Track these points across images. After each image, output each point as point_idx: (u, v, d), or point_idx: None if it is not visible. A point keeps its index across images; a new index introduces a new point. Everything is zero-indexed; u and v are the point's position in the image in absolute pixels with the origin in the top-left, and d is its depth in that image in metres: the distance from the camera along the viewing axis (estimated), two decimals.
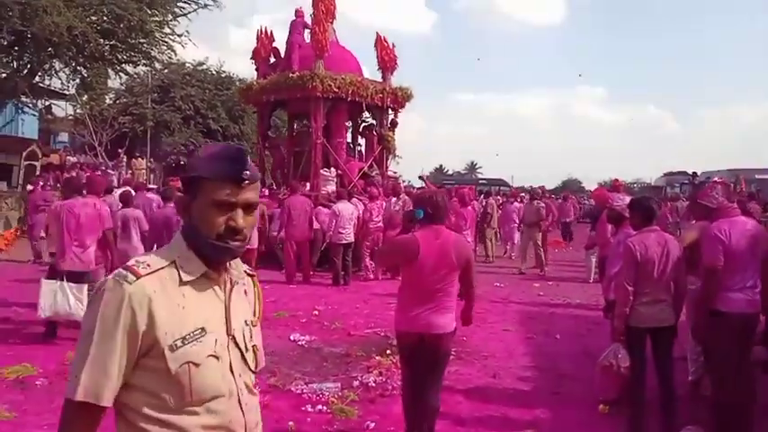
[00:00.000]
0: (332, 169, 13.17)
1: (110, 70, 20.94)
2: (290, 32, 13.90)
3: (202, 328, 1.40)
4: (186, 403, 1.38)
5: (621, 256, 4.27)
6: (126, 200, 7.99)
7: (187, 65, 28.56)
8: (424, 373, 3.67)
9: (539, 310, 8.76)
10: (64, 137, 30.81)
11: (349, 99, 13.05)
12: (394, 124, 14.56)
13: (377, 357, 5.85)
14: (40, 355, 5.66)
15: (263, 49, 14.36)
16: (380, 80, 14.13)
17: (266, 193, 11.85)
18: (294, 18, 13.91)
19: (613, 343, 4.18)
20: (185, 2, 18.84)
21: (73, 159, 22.84)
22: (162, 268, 1.39)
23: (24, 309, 7.12)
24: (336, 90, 12.68)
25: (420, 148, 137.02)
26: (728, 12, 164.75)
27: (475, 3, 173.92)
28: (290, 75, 12.97)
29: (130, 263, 1.40)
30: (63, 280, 5.98)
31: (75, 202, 6.35)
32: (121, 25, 16.90)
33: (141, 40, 18.31)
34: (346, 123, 14.44)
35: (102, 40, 17.05)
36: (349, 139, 15.00)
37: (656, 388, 4.18)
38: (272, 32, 14.45)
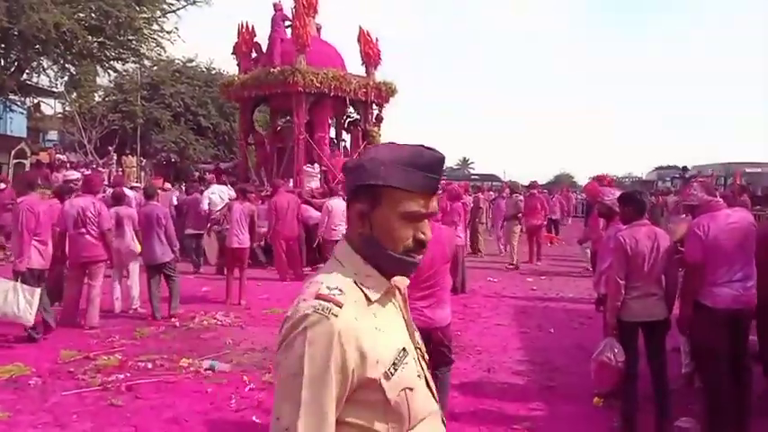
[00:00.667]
0: (315, 165, 12.91)
1: (98, 67, 20.83)
2: (271, 27, 13.71)
3: (403, 349, 1.30)
4: (404, 431, 1.28)
5: (612, 250, 4.29)
6: (118, 198, 7.93)
7: (176, 62, 28.37)
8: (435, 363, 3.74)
9: (532, 304, 8.79)
10: (53, 135, 30.64)
11: (332, 94, 12.82)
12: (379, 119, 14.41)
13: None
14: (33, 354, 5.62)
15: (243, 44, 14.08)
16: (365, 75, 13.93)
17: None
18: (274, 12, 13.69)
19: (606, 337, 4.20)
20: None
21: (62, 158, 22.69)
22: (349, 290, 1.27)
23: None
24: (318, 85, 12.43)
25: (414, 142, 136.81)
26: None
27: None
28: (271, 70, 12.75)
29: (322, 291, 1.25)
30: (17, 281, 5.86)
31: (33, 200, 6.30)
32: (110, 22, 16.77)
33: (130, 37, 18.18)
34: (330, 119, 14.22)
35: (90, 37, 16.90)
36: (334, 135, 14.86)
37: (650, 381, 4.21)
38: (253, 27, 14.17)
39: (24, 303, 5.76)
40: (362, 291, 1.28)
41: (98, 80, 26.17)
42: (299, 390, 1.18)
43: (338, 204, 10.12)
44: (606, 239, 4.87)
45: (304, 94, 12.47)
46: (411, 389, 1.28)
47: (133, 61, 20.14)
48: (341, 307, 1.21)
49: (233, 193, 10.80)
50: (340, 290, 1.25)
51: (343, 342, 1.19)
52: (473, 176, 40.31)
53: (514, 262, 12.28)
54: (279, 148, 13.70)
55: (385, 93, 14.03)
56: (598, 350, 4.16)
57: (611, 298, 4.17)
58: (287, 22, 13.44)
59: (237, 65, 14.35)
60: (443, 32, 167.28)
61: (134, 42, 18.38)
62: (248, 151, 14.93)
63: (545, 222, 14.26)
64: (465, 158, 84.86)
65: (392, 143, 1.37)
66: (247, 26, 14.11)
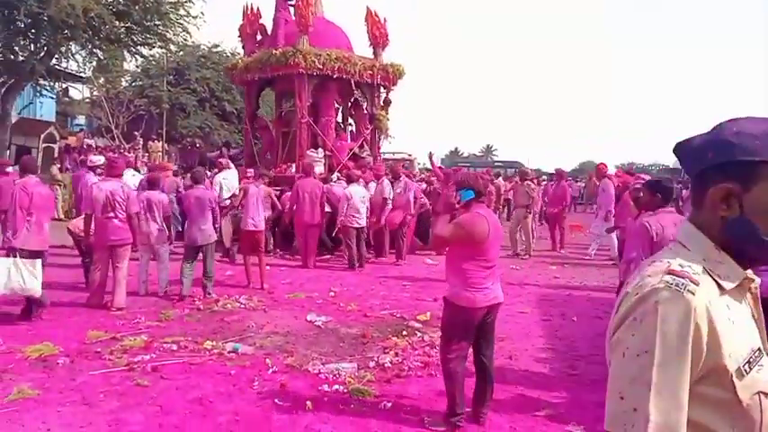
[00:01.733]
0: (319, 150, 12.58)
1: (125, 52, 20.91)
2: (275, 8, 13.37)
3: (759, 349, 1.17)
4: None
5: (637, 236, 4.23)
6: (153, 183, 8.04)
7: (202, 47, 28.53)
8: (482, 341, 4.01)
9: (555, 292, 8.72)
10: (81, 119, 31.08)
11: (335, 76, 12.40)
12: (387, 102, 13.98)
13: (393, 338, 5.87)
14: (61, 334, 5.75)
15: (248, 26, 13.76)
16: (372, 56, 13.49)
17: (251, 173, 11.17)
18: None
19: None
20: None
21: (90, 142, 23.05)
22: (699, 274, 1.16)
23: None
24: (320, 66, 12.04)
25: (436, 130, 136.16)
26: None
27: None
28: (273, 51, 12.36)
29: (674, 267, 1.16)
30: (16, 257, 6.01)
31: (29, 181, 6.41)
32: (137, 7, 16.85)
33: (157, 22, 18.22)
34: (336, 102, 13.77)
35: (117, 22, 17.00)
36: (341, 119, 14.49)
37: None
38: (258, 9, 13.81)
39: (29, 275, 5.96)
40: (713, 278, 1.17)
41: (125, 65, 26.34)
42: (649, 369, 1.09)
43: (357, 191, 10.10)
44: (635, 228, 4.80)
45: (306, 76, 12.13)
46: (766, 394, 1.15)
47: (159, 46, 20.18)
48: (697, 285, 1.12)
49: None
50: (691, 269, 1.15)
51: (699, 321, 1.10)
52: (496, 163, 39.97)
53: (519, 251, 11.87)
54: (284, 133, 13.37)
55: (392, 75, 13.57)
56: None
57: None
58: (291, 1, 13.07)
59: (242, 47, 14.12)
60: (470, 15, 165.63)
61: (160, 27, 18.42)
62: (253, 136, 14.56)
63: (567, 211, 13.89)
64: (488, 145, 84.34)
65: (748, 117, 1.21)
66: (252, 8, 13.80)
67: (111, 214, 6.82)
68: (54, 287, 7.37)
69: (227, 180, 10.91)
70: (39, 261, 6.10)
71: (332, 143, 12.87)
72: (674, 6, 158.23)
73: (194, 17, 18.49)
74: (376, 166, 12.45)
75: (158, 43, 19.57)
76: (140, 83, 28.76)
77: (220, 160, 12.43)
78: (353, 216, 9.94)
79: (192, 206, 7.65)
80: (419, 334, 6.06)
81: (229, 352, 5.35)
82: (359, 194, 10.10)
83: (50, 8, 14.53)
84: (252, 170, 11.08)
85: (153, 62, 26.73)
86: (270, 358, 5.19)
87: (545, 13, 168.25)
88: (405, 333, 6.08)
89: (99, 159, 9.33)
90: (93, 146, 21.87)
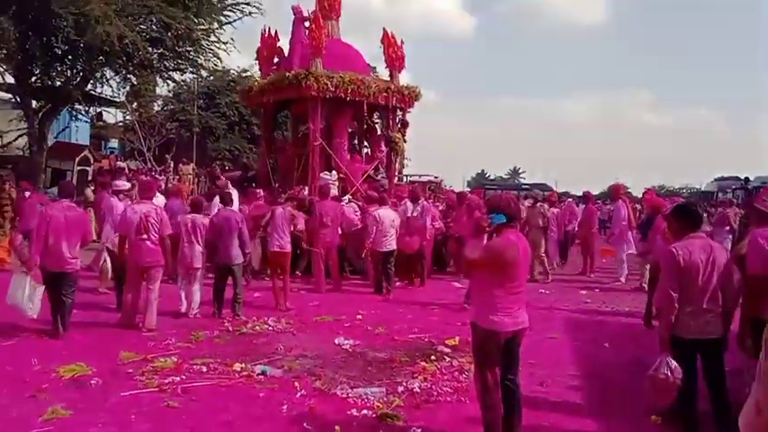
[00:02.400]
0: (333, 172, 12.44)
1: (158, 78, 21.48)
2: (292, 31, 13.38)
3: None
4: None
5: (664, 262, 4.16)
6: (197, 206, 8.16)
7: (232, 72, 29.11)
8: (506, 365, 3.97)
9: (586, 317, 8.59)
10: (114, 143, 31.82)
11: (349, 99, 12.29)
12: (404, 125, 13.88)
13: (422, 363, 5.82)
14: (93, 354, 5.82)
15: (265, 49, 13.81)
16: (387, 79, 13.41)
17: (261, 194, 11.14)
18: (294, 16, 13.33)
19: (661, 353, 4.06)
20: (230, 10, 19.18)
21: (122, 165, 23.54)
22: None
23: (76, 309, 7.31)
24: (333, 89, 11.96)
25: (463, 152, 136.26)
26: None
27: (514, 4, 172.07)
28: (287, 74, 12.34)
29: None
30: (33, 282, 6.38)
31: (55, 205, 6.80)
32: (169, 34, 17.29)
33: (188, 48, 18.68)
34: (350, 124, 13.74)
35: (150, 48, 17.48)
36: (356, 141, 14.42)
37: (710, 402, 4.05)
38: (276, 32, 13.85)
39: (27, 295, 6.32)
40: None
41: (157, 90, 27.08)
42: None
43: (387, 214, 9.88)
44: (663, 255, 4.72)
45: (319, 98, 12.08)
46: None
47: (191, 72, 20.70)
48: None
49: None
50: None
51: None
52: (523, 186, 39.73)
53: (536, 275, 11.31)
54: (299, 155, 13.15)
55: (408, 97, 13.44)
56: (653, 366, 4.02)
57: (664, 312, 4.05)
58: (307, 24, 13.03)
59: (260, 70, 14.19)
60: (493, 35, 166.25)
61: (192, 53, 18.88)
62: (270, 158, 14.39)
63: (594, 234, 13.44)
64: (515, 168, 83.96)
65: None
66: (269, 31, 13.89)
67: (145, 236, 6.93)
68: (87, 308, 7.51)
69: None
70: (40, 287, 6.39)
71: (346, 166, 12.75)
72: (704, 18, 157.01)
73: (224, 43, 18.93)
74: (399, 188, 12.37)
75: (190, 69, 20.06)
76: (172, 107, 29.45)
77: (218, 182, 12.38)
78: (382, 240, 9.76)
79: (219, 228, 7.74)
80: (448, 359, 6.00)
81: (258, 374, 5.37)
82: (389, 218, 9.90)
83: (87, 36, 15.00)
84: (261, 191, 10.95)
85: (184, 87, 27.36)
86: (298, 381, 5.19)
87: (576, 32, 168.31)
88: (433, 358, 6.03)
89: (124, 185, 9.47)
90: (126, 169, 22.33)
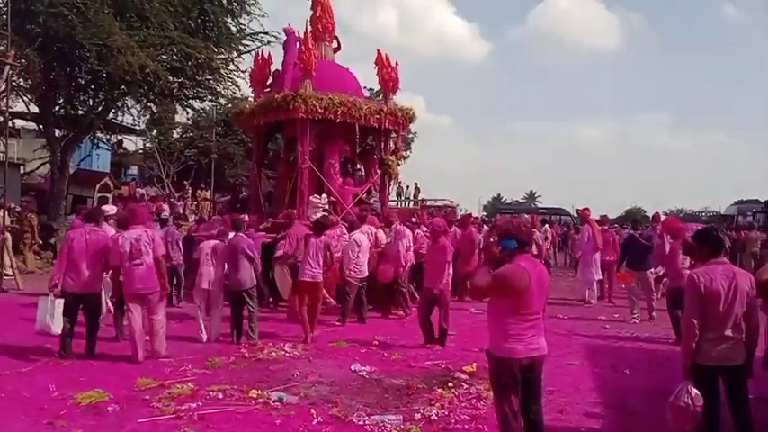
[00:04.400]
0: (323, 196, 12.14)
1: (178, 106, 21.84)
2: (284, 53, 13.29)
3: None
4: None
5: (686, 288, 4.10)
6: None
7: (250, 99, 29.47)
8: (527, 395, 3.83)
9: (605, 343, 8.46)
10: (134, 169, 32.30)
11: (339, 120, 12.05)
12: (399, 147, 13.73)
13: (439, 390, 5.76)
14: (112, 381, 5.84)
15: (258, 72, 13.80)
16: (381, 100, 13.22)
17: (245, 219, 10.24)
18: (286, 37, 13.31)
19: (683, 380, 3.98)
20: (249, 40, 19.52)
21: (141, 191, 23.89)
22: None
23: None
24: (322, 111, 11.76)
25: (478, 177, 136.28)
26: None
27: (529, 30, 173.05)
28: (276, 96, 12.19)
29: None
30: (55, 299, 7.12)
31: (77, 230, 7.07)
32: (189, 63, 17.60)
33: (208, 77, 18.99)
34: (342, 147, 13.44)
35: (171, 77, 17.79)
36: (349, 164, 14.22)
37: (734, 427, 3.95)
38: (269, 55, 13.90)
39: (49, 315, 7.26)
40: None
41: (177, 118, 27.50)
42: None
43: (363, 239, 9.50)
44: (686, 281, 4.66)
45: (308, 120, 11.92)
46: None
47: (210, 100, 21.01)
48: None
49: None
50: None
51: None
52: (540, 210, 39.51)
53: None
54: (290, 178, 12.87)
55: (402, 119, 13.18)
56: (674, 394, 3.95)
57: (685, 339, 3.99)
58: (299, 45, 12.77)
59: (252, 92, 14.15)
60: (508, 60, 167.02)
61: (211, 82, 19.19)
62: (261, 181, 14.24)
63: (614, 259, 13.37)
64: (532, 192, 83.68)
65: None
66: (263, 54, 13.99)
67: (138, 261, 6.69)
68: (103, 333, 7.54)
69: None
70: (59, 302, 6.99)
71: (337, 189, 12.49)
72: (717, 41, 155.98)
73: (243, 71, 19.20)
74: (385, 212, 11.96)
75: (209, 97, 20.36)
76: (190, 134, 29.86)
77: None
78: (359, 266, 9.30)
79: (229, 253, 7.84)
80: (465, 386, 5.93)
81: (274, 401, 5.34)
82: (365, 243, 9.46)
83: (110, 66, 15.31)
84: (246, 216, 10.48)
85: (203, 114, 27.76)
86: (314, 408, 5.15)
87: (592, 57, 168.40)
88: (450, 384, 5.97)
89: (112, 209, 9.73)
90: (146, 195, 22.64)
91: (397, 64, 13.35)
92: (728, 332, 3.89)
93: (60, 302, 6.92)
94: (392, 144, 13.71)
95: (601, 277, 12.67)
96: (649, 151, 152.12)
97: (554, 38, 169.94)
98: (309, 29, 12.78)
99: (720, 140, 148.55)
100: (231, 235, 8.29)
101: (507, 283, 3.69)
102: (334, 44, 14.10)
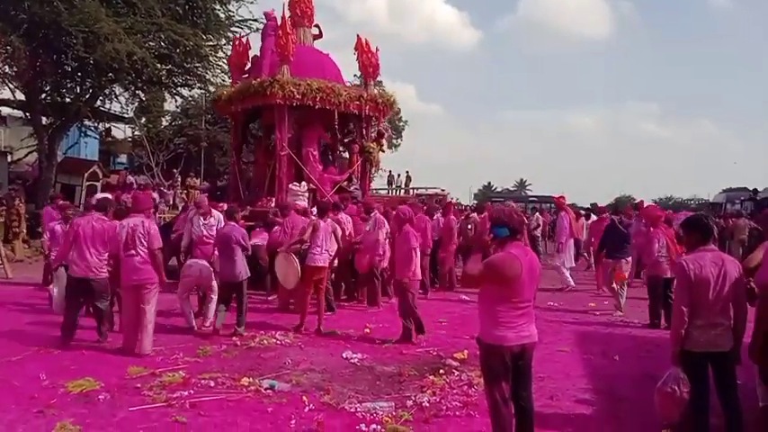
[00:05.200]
0: (303, 183, 11.94)
1: (166, 94, 21.67)
2: (261, 38, 13.19)
3: None
4: None
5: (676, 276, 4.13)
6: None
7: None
8: (518, 382, 3.83)
9: (595, 330, 8.52)
10: (123, 158, 32.07)
11: (318, 107, 11.91)
12: (380, 135, 13.55)
13: (430, 377, 5.79)
14: (103, 369, 5.82)
15: (237, 58, 13.64)
16: (361, 86, 13.14)
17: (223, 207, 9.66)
18: (266, 22, 13.16)
19: (672, 367, 4.02)
20: (238, 26, 19.35)
21: (131, 179, 23.73)
22: None
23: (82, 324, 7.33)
24: (300, 97, 11.58)
25: (469, 165, 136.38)
26: None
27: (519, 18, 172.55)
28: (252, 82, 12.05)
29: None
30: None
31: (83, 218, 7.16)
32: (178, 50, 17.45)
33: (196, 64, 18.85)
34: (322, 134, 13.25)
35: (159, 65, 17.63)
36: (330, 151, 14.09)
37: (722, 416, 4.00)
38: (248, 40, 13.71)
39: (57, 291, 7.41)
40: None
41: (165, 106, 27.31)
42: None
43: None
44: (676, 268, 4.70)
45: (286, 106, 11.75)
46: None
47: (199, 87, 20.85)
48: None
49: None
50: None
51: None
52: (530, 198, 39.65)
53: None
54: (269, 166, 12.77)
55: (382, 105, 13.04)
56: (662, 380, 3.99)
57: (674, 326, 4.02)
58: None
59: (230, 78, 14.01)
60: (498, 49, 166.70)
61: (200, 69, 19.06)
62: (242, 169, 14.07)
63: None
64: (522, 180, 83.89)
65: None
66: (241, 40, 13.80)
67: (132, 252, 6.48)
68: (94, 322, 7.49)
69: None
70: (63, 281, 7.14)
71: (316, 176, 12.29)
72: (708, 31, 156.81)
73: None
74: (365, 200, 11.65)
75: (198, 84, 20.20)
76: (180, 122, 29.67)
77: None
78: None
79: (218, 243, 7.65)
80: (457, 372, 5.97)
81: (266, 389, 5.34)
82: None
83: (97, 53, 15.15)
84: (225, 205, 10.01)
85: (192, 102, 27.57)
86: (306, 396, 5.17)
87: (582, 46, 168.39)
88: (442, 371, 6.00)
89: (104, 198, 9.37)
90: (135, 183, 22.48)
91: (377, 50, 13.16)
92: (717, 319, 3.93)
93: (64, 275, 7.11)
94: (373, 131, 13.55)
95: (573, 264, 12.91)
96: (638, 140, 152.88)
97: (544, 26, 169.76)
98: (288, 13, 12.59)
99: (708, 130, 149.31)
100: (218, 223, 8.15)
101: (498, 272, 3.68)
102: (315, 30, 13.92)
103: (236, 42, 13.96)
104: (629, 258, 10.11)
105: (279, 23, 12.47)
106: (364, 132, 13.42)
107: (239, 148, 14.15)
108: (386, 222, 9.81)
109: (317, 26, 13.97)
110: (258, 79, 12.04)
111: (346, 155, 14.50)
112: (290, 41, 11.94)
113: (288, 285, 8.43)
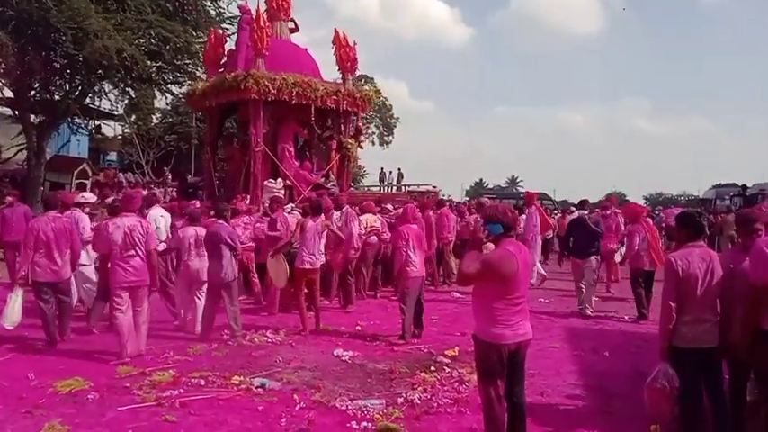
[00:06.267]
0: (279, 180, 11.75)
1: (156, 91, 21.51)
2: (237, 32, 12.97)
3: None
4: None
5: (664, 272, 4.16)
6: (194, 218, 7.86)
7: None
8: (511, 378, 3.85)
9: (585, 326, 8.56)
10: (113, 155, 31.86)
11: (294, 102, 11.68)
12: (359, 131, 13.43)
13: (421, 374, 5.79)
14: (92, 369, 5.78)
15: (212, 52, 13.40)
16: (339, 81, 12.90)
17: (196, 205, 10.03)
18: (241, 15, 12.97)
19: (661, 362, 4.04)
20: (229, 23, 19.23)
21: (121, 177, 23.59)
22: None
23: (73, 322, 7.28)
24: (275, 91, 11.35)
25: (461, 162, 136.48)
26: None
27: (510, 15, 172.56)
28: (227, 77, 11.77)
29: None
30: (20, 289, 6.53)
31: (41, 218, 6.83)
32: (168, 47, 17.32)
33: (187, 62, 18.71)
34: (298, 129, 13.03)
35: (149, 62, 17.48)
36: (307, 147, 13.95)
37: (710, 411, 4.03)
38: (223, 34, 13.41)
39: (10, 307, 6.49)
40: None
41: (155, 103, 27.13)
42: None
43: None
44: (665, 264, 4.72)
45: (261, 101, 11.55)
46: None
47: (189, 84, 20.73)
48: None
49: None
50: None
51: None
52: (522, 195, 39.72)
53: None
54: (244, 162, 12.47)
55: (360, 101, 12.82)
56: (651, 376, 4.02)
57: (662, 322, 4.05)
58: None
59: (204, 73, 13.80)
60: (490, 45, 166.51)
61: (190, 66, 18.92)
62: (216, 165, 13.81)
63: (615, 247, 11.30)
64: (513, 177, 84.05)
65: None
66: (216, 33, 13.59)
67: (132, 252, 6.27)
68: (82, 321, 7.44)
69: (163, 219, 8.65)
70: (16, 294, 6.49)
71: (293, 173, 12.11)
72: (699, 27, 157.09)
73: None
74: (338, 195, 11.31)
75: (188, 81, 20.05)
76: (170, 120, 29.51)
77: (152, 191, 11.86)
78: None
79: (209, 242, 7.24)
80: (448, 369, 5.97)
81: (257, 387, 5.33)
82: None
83: (86, 50, 14.99)
84: (198, 202, 9.94)
85: (182, 100, 27.42)
86: (297, 394, 5.16)
87: (573, 42, 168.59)
88: (433, 368, 6.00)
89: (91, 197, 9.12)
90: (125, 182, 22.35)
91: (355, 44, 13.01)
92: (704, 315, 3.95)
93: (20, 295, 6.51)
94: (352, 127, 13.41)
95: (541, 257, 13.20)
96: (630, 137, 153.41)
97: (536, 23, 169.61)
98: (263, 6, 12.41)
99: (699, 126, 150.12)
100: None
101: (496, 269, 3.69)
102: (291, 24, 13.75)
103: (212, 36, 13.70)
104: (598, 257, 9.54)
105: (254, 17, 12.23)
106: (342, 128, 13.25)
107: (214, 145, 13.90)
108: (356, 216, 9.74)
109: (292, 20, 13.78)
110: (233, 73, 11.83)
111: (323, 147, 14.18)
112: (266, 35, 11.74)
113: (279, 284, 8.36)
